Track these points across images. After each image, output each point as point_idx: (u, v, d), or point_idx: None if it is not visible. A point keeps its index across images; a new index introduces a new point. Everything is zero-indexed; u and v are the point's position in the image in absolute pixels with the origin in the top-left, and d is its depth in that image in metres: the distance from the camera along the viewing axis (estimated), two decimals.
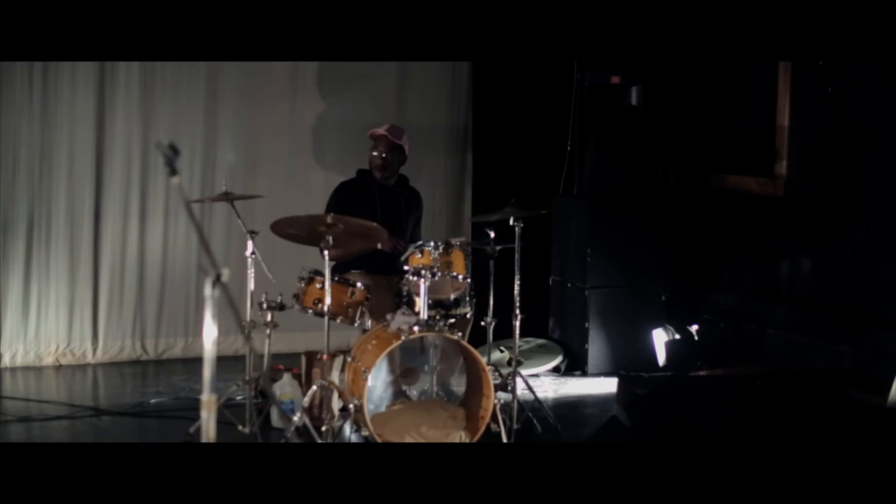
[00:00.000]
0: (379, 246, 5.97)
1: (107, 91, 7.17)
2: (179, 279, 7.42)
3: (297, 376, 5.96)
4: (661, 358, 7.24)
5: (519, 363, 6.04)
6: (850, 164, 6.59)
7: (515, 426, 5.70)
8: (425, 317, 5.39)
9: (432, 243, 5.62)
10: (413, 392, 5.80)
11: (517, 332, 5.86)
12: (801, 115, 6.89)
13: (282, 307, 5.66)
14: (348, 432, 5.60)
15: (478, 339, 5.96)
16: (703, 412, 5.77)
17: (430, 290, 5.45)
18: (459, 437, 5.43)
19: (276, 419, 5.80)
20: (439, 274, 5.53)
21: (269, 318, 5.62)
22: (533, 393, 5.97)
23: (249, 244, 5.65)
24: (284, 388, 5.81)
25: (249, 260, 5.65)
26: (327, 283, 5.38)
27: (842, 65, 6.49)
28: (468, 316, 5.83)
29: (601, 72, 7.41)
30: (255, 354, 5.76)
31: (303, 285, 5.69)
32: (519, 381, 5.85)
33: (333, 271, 5.54)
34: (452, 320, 5.64)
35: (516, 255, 5.77)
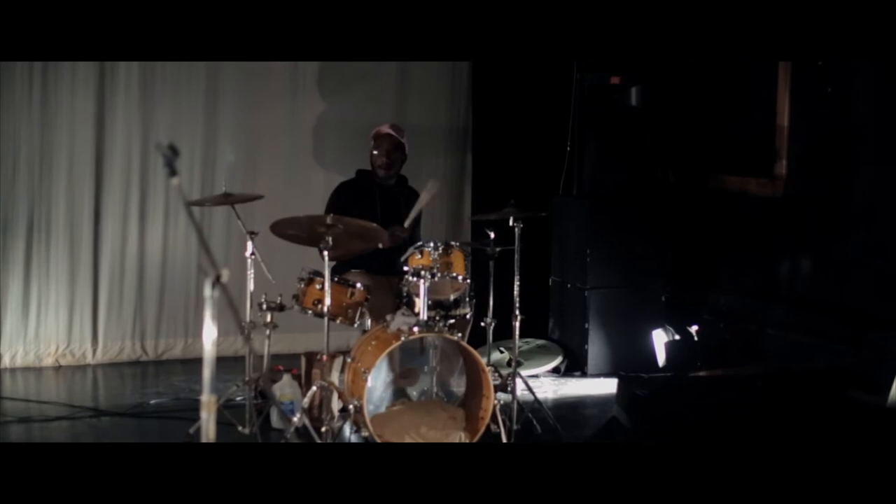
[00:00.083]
0: (380, 245, 5.97)
1: (107, 91, 7.17)
2: (179, 280, 7.42)
3: (296, 377, 5.96)
4: (661, 358, 7.24)
5: (519, 364, 6.04)
6: (850, 165, 6.59)
7: (515, 427, 5.70)
8: (425, 317, 5.39)
9: (432, 244, 5.62)
10: (413, 393, 5.80)
11: (517, 332, 5.85)
12: (800, 115, 6.89)
13: (281, 308, 5.65)
14: (348, 433, 5.60)
15: (477, 339, 5.96)
16: (703, 413, 5.77)
17: (430, 291, 5.45)
18: (459, 437, 5.43)
19: (275, 420, 5.80)
20: (439, 275, 5.53)
21: (268, 318, 5.62)
22: (533, 393, 5.97)
23: (249, 245, 5.64)
24: (284, 388, 5.81)
25: (249, 261, 5.65)
26: (327, 284, 5.38)
27: (842, 65, 6.49)
28: (468, 317, 5.83)
29: (601, 72, 7.41)
30: (254, 355, 5.76)
31: (302, 286, 5.69)
32: (519, 381, 5.85)
33: (333, 272, 5.54)
34: (452, 321, 5.64)
35: (516, 256, 5.77)
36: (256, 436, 5.56)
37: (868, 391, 5.97)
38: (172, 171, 2.75)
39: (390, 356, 5.55)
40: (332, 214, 5.47)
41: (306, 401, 5.52)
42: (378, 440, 5.29)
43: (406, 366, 5.76)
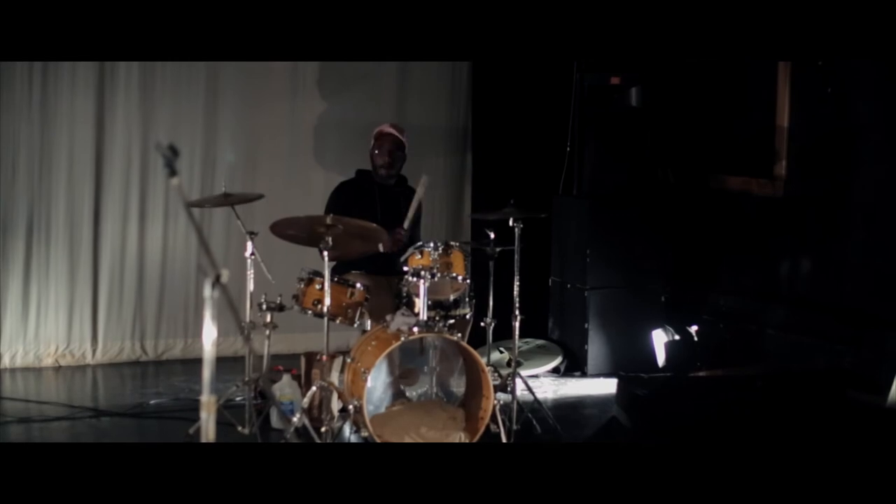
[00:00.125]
0: (381, 248, 5.97)
1: (106, 91, 7.17)
2: (179, 280, 7.42)
3: (296, 377, 5.96)
4: (661, 358, 7.24)
5: (518, 364, 6.04)
6: (850, 165, 6.59)
7: (515, 427, 5.70)
8: (425, 318, 5.39)
9: (432, 244, 5.62)
10: (413, 393, 5.79)
11: (517, 332, 5.86)
12: (800, 115, 6.89)
13: (281, 308, 5.65)
14: (348, 433, 5.60)
15: (477, 339, 5.96)
16: (702, 413, 5.77)
17: (430, 291, 5.45)
18: (459, 437, 5.43)
19: (275, 420, 5.80)
20: (439, 275, 5.53)
21: (268, 318, 5.62)
22: (532, 394, 5.97)
23: (249, 245, 5.64)
24: (284, 389, 5.81)
25: (249, 261, 5.65)
26: (327, 284, 5.38)
27: (842, 65, 6.49)
28: (468, 317, 5.83)
29: (601, 72, 7.40)
30: (254, 355, 5.76)
31: (302, 286, 5.68)
32: (518, 381, 5.85)
33: (333, 272, 5.54)
34: (452, 321, 5.64)
35: (516, 256, 5.77)
36: (256, 436, 5.55)
37: (868, 391, 5.97)
38: (172, 172, 2.74)
39: (390, 356, 5.55)
40: (331, 215, 5.47)
41: (306, 401, 5.51)
42: (378, 440, 5.28)
43: (406, 366, 5.76)
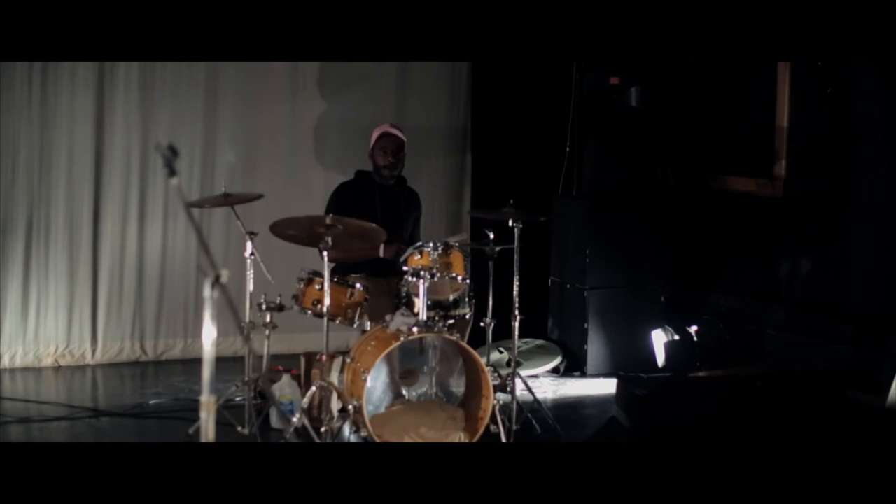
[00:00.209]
0: (381, 254, 5.97)
1: (106, 91, 7.16)
2: (179, 280, 7.41)
3: (296, 377, 5.95)
4: (661, 359, 7.24)
5: (518, 364, 6.04)
6: (850, 165, 6.59)
7: (514, 427, 5.70)
8: (424, 318, 5.39)
9: (431, 244, 5.62)
10: (412, 393, 5.79)
11: (516, 332, 5.85)
12: (800, 115, 6.89)
13: (281, 308, 5.65)
14: (347, 433, 5.60)
15: (477, 339, 5.96)
16: (702, 413, 5.77)
17: (429, 291, 5.45)
18: (458, 437, 5.43)
19: (275, 420, 5.80)
20: (438, 275, 5.53)
21: (268, 319, 5.62)
22: (532, 394, 5.97)
23: (248, 245, 5.64)
24: (283, 389, 5.81)
25: (248, 261, 5.64)
26: (326, 284, 5.38)
27: (842, 65, 6.49)
28: (467, 317, 5.83)
29: (600, 72, 7.40)
30: (254, 355, 5.76)
31: (302, 286, 5.68)
32: (518, 381, 5.85)
33: (333, 273, 5.54)
34: (451, 321, 5.64)
35: (515, 256, 5.77)
36: (256, 436, 5.55)
37: (868, 391, 5.97)
38: (172, 172, 2.74)
39: (390, 357, 5.55)
40: (331, 215, 5.46)
41: (306, 401, 5.51)
42: (377, 440, 5.28)
43: (405, 366, 5.76)
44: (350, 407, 5.36)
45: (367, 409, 5.34)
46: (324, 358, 5.46)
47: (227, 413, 5.54)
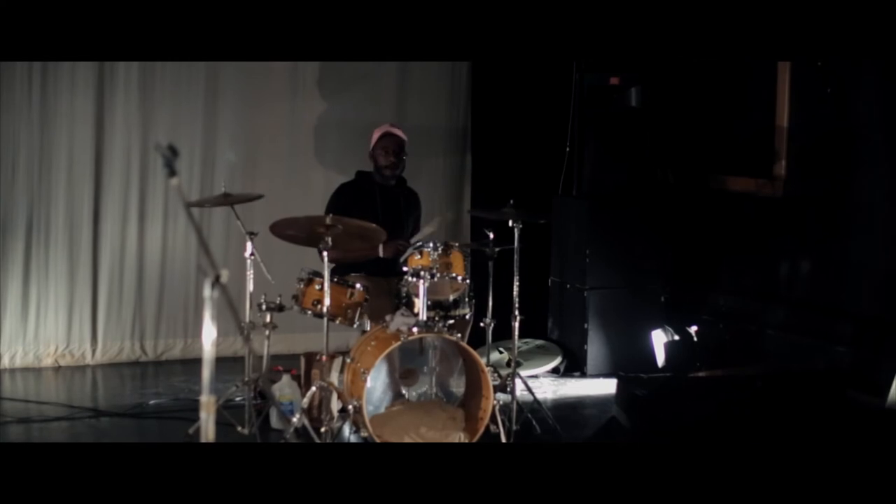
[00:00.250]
0: (381, 254, 5.97)
1: (106, 92, 7.17)
2: (178, 280, 7.41)
3: (296, 377, 5.95)
4: (661, 359, 7.24)
5: (518, 364, 6.03)
6: (850, 165, 6.59)
7: (514, 427, 5.70)
8: (424, 318, 5.39)
9: (431, 244, 5.62)
10: (412, 393, 5.79)
11: (516, 333, 5.85)
12: (800, 115, 6.89)
13: (281, 308, 5.65)
14: (347, 433, 5.60)
15: (477, 340, 5.96)
16: (702, 413, 5.76)
17: (430, 292, 5.45)
18: (458, 438, 5.43)
19: (275, 420, 5.80)
20: (438, 275, 5.53)
21: (268, 319, 5.62)
22: (532, 394, 5.97)
23: (248, 245, 5.64)
24: (283, 389, 5.81)
25: (248, 261, 5.64)
26: (326, 285, 5.38)
27: (842, 65, 6.48)
28: (467, 317, 5.83)
29: (600, 72, 7.40)
30: (254, 355, 5.76)
31: (302, 286, 5.68)
32: (518, 382, 5.85)
33: (333, 273, 5.54)
34: (451, 321, 5.64)
35: (515, 256, 5.77)
36: (256, 436, 5.55)
37: (868, 391, 5.97)
38: (172, 172, 2.74)
39: (390, 357, 5.55)
40: (331, 215, 5.46)
41: (305, 401, 5.51)
42: (377, 440, 5.28)
43: (405, 366, 5.76)
44: (350, 407, 5.36)
45: (367, 410, 5.34)
46: (324, 358, 5.46)
47: (227, 413, 5.54)
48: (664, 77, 7.48)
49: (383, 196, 6.31)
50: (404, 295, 5.59)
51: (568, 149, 7.71)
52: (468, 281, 5.68)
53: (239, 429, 5.55)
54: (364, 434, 5.35)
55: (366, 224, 5.57)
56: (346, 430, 5.60)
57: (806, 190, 6.87)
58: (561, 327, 7.56)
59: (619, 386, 6.35)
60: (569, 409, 6.54)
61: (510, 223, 5.73)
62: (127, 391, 6.72)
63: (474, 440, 5.43)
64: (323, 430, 5.31)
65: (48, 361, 7.17)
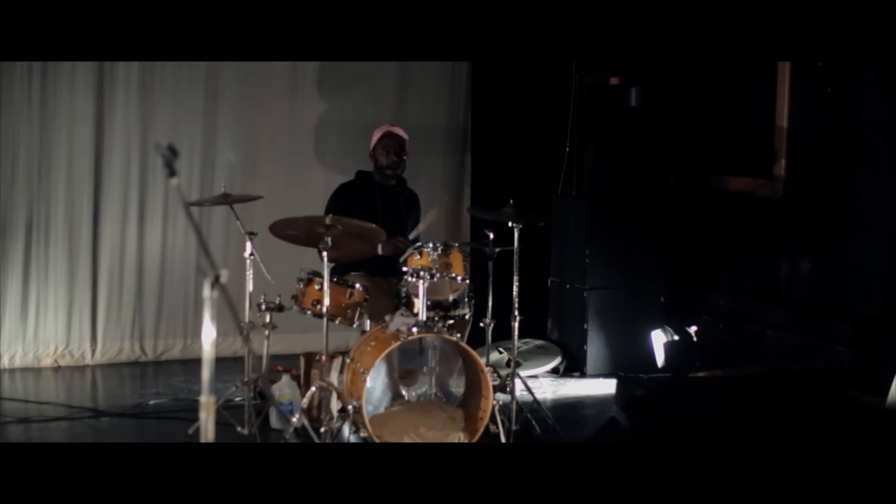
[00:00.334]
0: (380, 251, 5.97)
1: (106, 92, 7.16)
2: (178, 280, 7.41)
3: (295, 377, 5.95)
4: (660, 359, 7.24)
5: (517, 364, 6.03)
6: (850, 165, 6.59)
7: (514, 427, 5.70)
8: (424, 318, 5.39)
9: (431, 244, 5.62)
10: (412, 393, 5.79)
11: (516, 333, 5.85)
12: (800, 115, 6.89)
13: (280, 308, 5.65)
14: (347, 433, 5.60)
15: (477, 340, 5.96)
16: (702, 413, 5.76)
17: (429, 292, 5.45)
18: (458, 438, 5.43)
19: (274, 420, 5.80)
20: (438, 275, 5.53)
21: (267, 319, 5.62)
22: (532, 394, 5.97)
23: (248, 245, 5.64)
24: (283, 389, 5.81)
25: (248, 261, 5.64)
26: (326, 285, 5.38)
27: (842, 65, 6.48)
28: (467, 317, 5.83)
29: (600, 73, 7.40)
30: (253, 356, 5.76)
31: (301, 286, 5.68)
32: (518, 382, 5.85)
33: (332, 273, 5.54)
34: (451, 321, 5.64)
35: (515, 257, 5.77)
36: (255, 436, 5.55)
37: (868, 391, 5.97)
38: (172, 172, 2.75)
39: (389, 357, 5.55)
40: (331, 215, 5.46)
41: (305, 401, 5.51)
42: (377, 440, 5.28)
43: (405, 366, 5.76)
44: (350, 407, 5.36)
45: (367, 410, 5.34)
46: (323, 358, 5.46)
47: (227, 413, 5.54)
48: (664, 77, 7.48)
49: (383, 196, 6.31)
50: (404, 295, 5.59)
51: (568, 149, 7.71)
52: (468, 281, 5.68)
53: (238, 429, 5.55)
54: (363, 434, 5.35)
55: (365, 224, 5.57)
56: (346, 430, 5.60)
57: (806, 190, 6.87)
58: (560, 327, 7.56)
59: (618, 386, 6.35)
60: (568, 409, 6.54)
61: (510, 224, 5.73)
62: (127, 391, 6.72)
63: (474, 440, 5.43)
64: (322, 430, 5.31)
65: (48, 361, 7.17)
